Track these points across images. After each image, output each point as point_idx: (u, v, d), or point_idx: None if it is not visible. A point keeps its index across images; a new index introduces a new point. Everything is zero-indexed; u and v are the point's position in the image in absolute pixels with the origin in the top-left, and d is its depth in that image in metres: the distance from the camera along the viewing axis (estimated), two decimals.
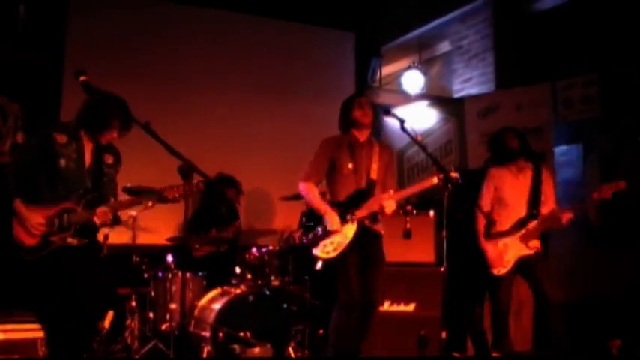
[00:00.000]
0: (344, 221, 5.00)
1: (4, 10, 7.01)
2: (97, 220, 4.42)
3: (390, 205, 4.99)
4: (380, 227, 5.15)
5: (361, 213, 5.01)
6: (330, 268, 5.01)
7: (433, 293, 6.14)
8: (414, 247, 6.33)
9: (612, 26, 7.41)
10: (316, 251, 5.00)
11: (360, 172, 5.16)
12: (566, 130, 7.55)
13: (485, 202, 6.01)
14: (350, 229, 5.01)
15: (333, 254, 4.96)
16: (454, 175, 4.88)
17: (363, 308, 5.01)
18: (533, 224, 5.85)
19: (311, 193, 5.18)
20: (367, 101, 5.32)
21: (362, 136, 5.22)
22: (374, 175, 5.18)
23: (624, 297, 6.54)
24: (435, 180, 4.93)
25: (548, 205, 5.94)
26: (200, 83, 8.00)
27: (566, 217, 5.71)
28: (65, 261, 4.41)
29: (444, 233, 4.67)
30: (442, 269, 6.14)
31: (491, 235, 5.90)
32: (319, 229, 5.02)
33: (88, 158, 4.54)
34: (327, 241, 4.98)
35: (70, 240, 4.39)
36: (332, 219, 5.01)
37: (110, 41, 7.50)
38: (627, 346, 6.20)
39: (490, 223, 5.67)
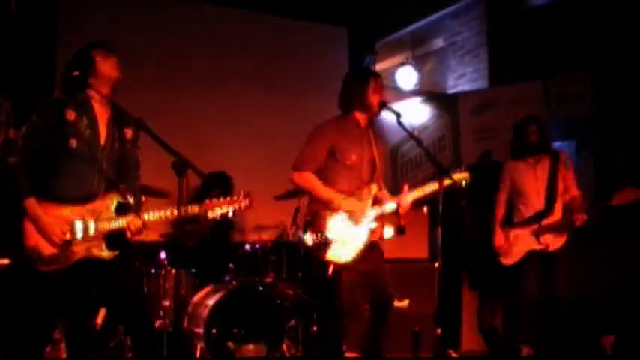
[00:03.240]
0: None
1: None
2: (129, 234, 3.98)
3: (407, 204, 4.65)
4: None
5: (379, 211, 4.64)
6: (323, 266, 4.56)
7: (427, 289, 6.12)
8: (408, 244, 6.30)
9: (605, 24, 7.44)
10: (328, 255, 4.49)
11: (363, 163, 4.75)
12: (560, 126, 7.51)
13: (503, 194, 6.01)
14: (363, 229, 4.60)
15: (346, 259, 4.51)
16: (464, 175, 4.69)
17: (379, 307, 4.68)
18: (547, 220, 5.80)
19: (312, 181, 4.61)
20: (382, 83, 4.84)
21: (364, 120, 4.82)
22: (378, 166, 4.81)
23: (617, 294, 6.49)
24: (456, 177, 4.63)
25: (570, 192, 5.89)
26: (193, 80, 7.92)
27: (580, 220, 5.63)
28: (94, 275, 3.98)
29: (439, 229, 4.55)
30: (436, 265, 6.08)
31: (506, 227, 5.93)
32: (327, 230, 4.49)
33: (102, 135, 4.05)
34: (338, 242, 4.51)
35: (97, 252, 3.92)
36: (354, 204, 4.55)
37: (103, 37, 7.36)
38: (620, 343, 6.18)
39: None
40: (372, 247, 4.69)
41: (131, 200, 4.09)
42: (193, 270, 6.29)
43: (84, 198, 3.94)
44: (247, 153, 7.90)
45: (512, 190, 5.99)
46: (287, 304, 6.03)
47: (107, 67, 4.12)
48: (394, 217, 4.73)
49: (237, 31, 8.23)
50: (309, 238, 4.53)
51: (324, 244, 4.49)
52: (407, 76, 9.43)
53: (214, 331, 5.48)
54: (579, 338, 6.27)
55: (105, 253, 3.94)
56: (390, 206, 4.68)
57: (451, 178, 4.54)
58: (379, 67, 9.73)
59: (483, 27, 8.94)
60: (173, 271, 6.05)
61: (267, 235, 6.93)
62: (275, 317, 5.73)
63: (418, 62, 9.73)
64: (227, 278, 6.19)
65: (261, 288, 5.96)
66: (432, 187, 4.63)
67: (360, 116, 4.79)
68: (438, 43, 9.87)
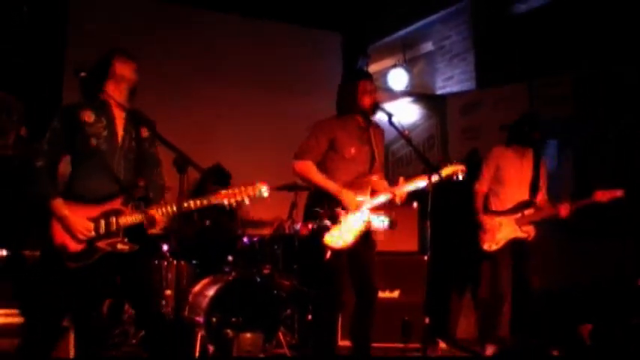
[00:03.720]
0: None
1: (7, 10, 7.02)
2: (149, 228, 4.05)
3: (402, 195, 4.76)
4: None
5: (376, 200, 4.72)
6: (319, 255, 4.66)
7: (416, 281, 6.16)
8: (399, 237, 6.36)
9: (586, 30, 7.46)
10: (326, 240, 4.58)
11: (362, 157, 4.86)
12: (542, 127, 7.59)
13: (485, 180, 6.08)
14: (361, 218, 4.69)
15: (343, 244, 4.61)
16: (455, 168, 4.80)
17: (366, 296, 4.79)
18: (529, 211, 5.95)
19: (313, 171, 4.72)
20: (372, 84, 4.92)
21: (362, 119, 4.92)
22: (377, 160, 4.93)
23: (595, 284, 6.61)
24: (452, 170, 4.77)
25: (542, 193, 6.05)
26: (194, 80, 8.05)
27: (565, 209, 5.78)
28: (116, 269, 4.06)
29: (428, 223, 4.69)
30: (426, 258, 6.22)
31: (489, 212, 6.01)
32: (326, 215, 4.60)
33: (119, 134, 4.13)
34: (335, 228, 4.60)
35: (120, 247, 3.99)
36: (349, 198, 4.63)
37: (108, 40, 7.45)
38: (598, 331, 6.27)
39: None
40: (367, 236, 4.80)
41: (150, 195, 4.18)
42: (194, 262, 6.39)
43: (106, 196, 4.04)
44: (244, 151, 8.01)
45: (495, 176, 6.07)
46: (283, 295, 6.14)
47: (124, 70, 4.24)
48: (389, 209, 4.84)
49: (235, 37, 8.32)
50: (309, 223, 4.67)
51: (322, 229, 4.62)
52: (398, 78, 9.43)
53: (214, 319, 5.55)
54: (557, 327, 6.38)
55: (127, 247, 4.02)
56: (385, 196, 4.79)
57: (440, 175, 4.66)
58: (372, 69, 9.79)
59: (471, 32, 8.90)
60: (175, 262, 6.17)
61: (264, 229, 7.00)
62: (272, 307, 5.80)
63: (409, 65, 9.72)
64: (226, 270, 6.26)
65: (258, 279, 6.03)
66: (425, 180, 4.74)
67: (358, 116, 4.92)
68: (428, 46, 9.88)
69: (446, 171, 4.77)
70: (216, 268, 6.29)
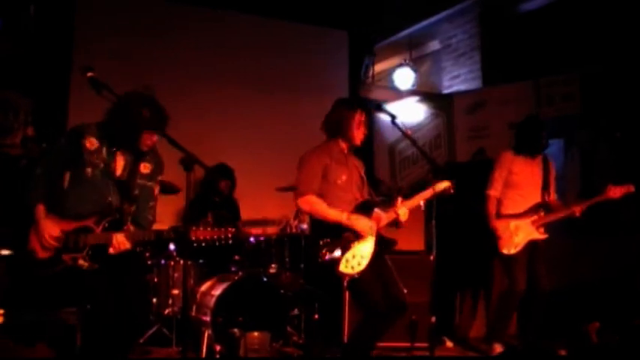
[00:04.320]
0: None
1: (15, 10, 7.01)
2: (111, 250, 4.06)
3: (405, 213, 4.74)
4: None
5: (380, 224, 4.68)
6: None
7: (422, 280, 6.14)
8: (405, 237, 6.32)
9: (592, 28, 7.44)
10: (341, 269, 4.48)
11: (353, 183, 4.81)
12: (548, 125, 7.55)
13: (498, 185, 6.02)
14: (370, 240, 4.62)
15: (359, 269, 4.51)
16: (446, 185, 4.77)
17: (394, 311, 4.69)
18: (544, 213, 5.93)
19: (319, 204, 4.60)
20: (366, 115, 4.85)
21: (346, 146, 4.85)
22: (366, 185, 4.92)
23: (602, 284, 6.57)
24: (443, 186, 4.75)
25: (551, 193, 6.01)
26: (201, 79, 8.00)
27: (579, 209, 5.74)
28: (79, 281, 4.10)
29: (433, 223, 4.65)
30: (431, 257, 6.18)
31: (502, 216, 5.96)
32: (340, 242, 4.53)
33: (119, 166, 4.24)
34: (348, 255, 4.51)
35: (80, 262, 4.05)
36: (364, 223, 4.58)
37: (115, 40, 7.51)
38: (605, 329, 6.22)
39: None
40: (378, 255, 4.72)
41: (128, 220, 4.24)
42: (201, 261, 6.37)
43: (85, 215, 4.13)
44: (251, 150, 7.99)
45: (507, 180, 6.01)
46: (290, 294, 6.12)
47: (153, 140, 4.25)
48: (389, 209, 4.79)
49: (242, 35, 8.28)
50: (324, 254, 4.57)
51: (334, 260, 4.53)
52: (404, 77, 9.41)
53: (220, 319, 5.55)
54: (564, 326, 6.38)
55: (86, 264, 4.06)
56: (388, 218, 4.76)
57: (434, 190, 4.71)
58: (378, 68, 9.81)
59: (477, 30, 8.92)
60: (182, 262, 6.17)
61: (270, 228, 6.97)
62: (278, 306, 5.80)
63: (415, 63, 9.71)
64: (233, 269, 6.25)
65: (265, 278, 6.01)
66: (422, 196, 4.79)
67: (343, 143, 4.83)
68: (434, 45, 9.88)
69: (439, 186, 4.76)
70: (223, 268, 6.27)
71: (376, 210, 4.74)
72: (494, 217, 5.98)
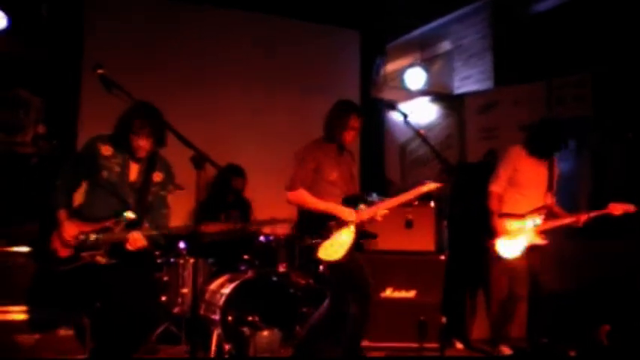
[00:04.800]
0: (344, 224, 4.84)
1: (27, 9, 7.03)
2: (128, 246, 4.26)
3: (383, 213, 4.94)
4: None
5: (361, 217, 4.88)
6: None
7: (433, 281, 6.15)
8: (415, 237, 6.32)
9: (605, 28, 7.40)
10: (320, 254, 4.77)
11: (343, 179, 5.04)
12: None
13: (501, 180, 5.97)
14: (350, 232, 4.86)
15: (335, 257, 4.78)
16: (434, 186, 4.90)
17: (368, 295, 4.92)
18: (547, 217, 5.90)
19: (307, 197, 4.89)
20: (360, 121, 5.05)
21: (338, 148, 5.09)
22: (355, 182, 5.15)
23: (611, 285, 6.53)
24: (425, 189, 4.91)
25: (551, 195, 5.97)
26: (211, 78, 8.01)
27: (583, 218, 5.71)
28: (96, 277, 4.30)
29: (445, 223, 4.64)
30: (443, 258, 6.16)
31: (502, 214, 5.91)
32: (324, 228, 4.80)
33: (133, 173, 4.43)
34: (327, 243, 4.78)
35: (98, 258, 4.27)
36: (345, 211, 4.84)
37: (126, 37, 7.54)
38: (615, 332, 6.18)
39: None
40: (357, 248, 5.00)
41: (136, 217, 4.38)
42: (210, 260, 6.38)
43: (105, 217, 4.34)
44: (262, 149, 7.98)
45: (512, 177, 5.96)
46: (299, 293, 6.07)
47: (142, 145, 4.35)
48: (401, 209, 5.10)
49: (253, 34, 8.27)
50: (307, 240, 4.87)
51: (314, 244, 4.79)
52: (415, 77, 9.35)
53: (230, 318, 5.56)
54: (574, 328, 6.32)
55: (104, 260, 4.28)
56: (369, 215, 4.95)
57: (420, 191, 4.92)
58: (389, 68, 9.77)
59: (488, 31, 8.88)
60: (191, 260, 6.17)
61: (280, 228, 6.95)
62: (288, 305, 5.80)
63: (426, 64, 9.66)
64: (242, 268, 6.26)
65: (274, 278, 6.01)
66: (406, 197, 5.01)
67: (335, 145, 5.06)
68: (446, 45, 9.85)
69: (424, 188, 4.94)
70: (232, 267, 6.28)
71: (361, 205, 4.93)
72: (497, 215, 5.92)
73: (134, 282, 4.31)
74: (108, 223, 4.31)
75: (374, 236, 5.06)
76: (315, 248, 4.78)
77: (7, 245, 5.69)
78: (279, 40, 8.45)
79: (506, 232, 5.86)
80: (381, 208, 4.94)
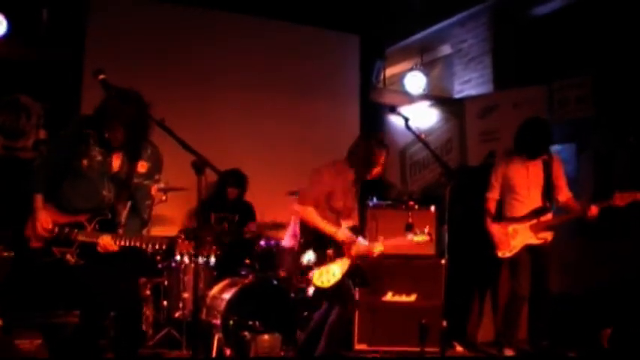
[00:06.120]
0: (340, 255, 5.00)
1: (27, 14, 7.04)
2: (99, 249, 4.09)
3: (379, 250, 5.12)
4: None
5: (357, 250, 5.05)
6: None
7: (434, 284, 6.15)
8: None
9: (605, 31, 7.40)
10: (313, 278, 4.95)
11: (346, 210, 5.14)
12: (561, 129, 7.53)
13: (494, 188, 6.03)
14: (345, 263, 5.01)
15: (327, 284, 4.94)
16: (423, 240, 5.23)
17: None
18: (546, 217, 5.87)
19: (313, 215, 5.01)
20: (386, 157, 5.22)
21: (357, 177, 5.19)
22: (355, 214, 5.26)
23: (616, 288, 6.52)
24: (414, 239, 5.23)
25: (564, 193, 5.96)
26: (212, 82, 8.02)
27: (593, 211, 5.69)
28: (67, 277, 4.20)
29: (446, 227, 4.65)
30: (443, 262, 6.16)
31: (503, 219, 5.94)
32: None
33: (116, 163, 4.24)
34: (323, 269, 4.94)
35: (68, 257, 4.12)
36: (343, 231, 5.01)
37: (127, 43, 7.54)
38: (617, 335, 6.17)
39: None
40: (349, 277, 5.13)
41: (118, 220, 4.25)
42: (211, 264, 6.34)
43: (80, 210, 4.19)
44: (262, 154, 7.97)
45: (504, 186, 6.00)
46: (300, 298, 6.09)
47: (117, 136, 4.15)
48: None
49: (253, 39, 8.28)
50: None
51: (306, 269, 5.00)
52: (415, 81, 9.37)
53: (231, 322, 5.56)
54: (577, 331, 6.33)
55: (72, 259, 4.13)
56: (364, 252, 5.15)
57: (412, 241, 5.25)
58: (389, 72, 9.78)
59: (488, 35, 8.89)
60: (192, 265, 6.14)
61: (281, 232, 6.96)
62: (288, 309, 5.81)
63: (426, 68, 9.68)
64: (243, 272, 6.26)
65: (275, 282, 6.02)
66: (399, 242, 5.30)
67: (356, 174, 5.15)
68: (445, 49, 9.85)
69: (417, 238, 5.28)
70: (233, 271, 6.28)
71: (359, 237, 5.13)
72: (490, 220, 5.98)
73: (108, 281, 4.15)
74: (81, 219, 4.16)
75: (367, 284, 5.38)
76: (310, 269, 4.96)
77: (6, 250, 5.67)
78: (279, 44, 8.45)
79: (503, 235, 5.90)
80: (377, 247, 5.11)
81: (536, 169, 5.97)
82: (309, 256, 4.99)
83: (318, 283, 4.94)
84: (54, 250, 4.14)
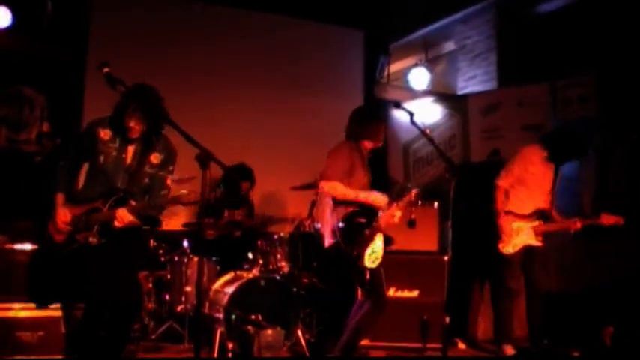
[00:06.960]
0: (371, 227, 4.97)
1: (32, 6, 7.04)
2: (116, 223, 4.28)
3: (399, 216, 5.06)
4: None
5: (383, 221, 5.02)
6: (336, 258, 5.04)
7: (436, 280, 6.16)
8: (419, 237, 6.31)
9: (609, 29, 7.40)
10: (365, 262, 4.90)
11: (366, 182, 5.15)
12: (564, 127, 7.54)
13: (510, 177, 6.05)
14: (380, 236, 5.02)
15: (377, 262, 4.97)
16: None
17: (382, 305, 5.07)
18: (546, 223, 5.97)
19: (342, 188, 4.95)
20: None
21: (367, 149, 5.23)
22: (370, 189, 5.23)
23: (615, 286, 6.53)
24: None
25: (554, 202, 6.01)
26: (216, 78, 8.00)
27: (577, 225, 5.82)
28: (88, 258, 4.34)
29: (449, 223, 4.65)
30: (446, 258, 6.16)
31: (508, 213, 5.99)
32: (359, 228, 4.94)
33: (129, 156, 4.44)
34: (368, 251, 4.91)
35: (90, 239, 4.32)
36: (380, 197, 5.00)
37: (131, 36, 7.54)
38: (619, 333, 6.18)
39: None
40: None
41: (130, 201, 4.41)
42: (214, 258, 6.36)
43: (94, 198, 4.41)
44: (265, 149, 7.96)
45: (519, 177, 6.03)
46: (302, 292, 6.11)
47: (132, 126, 4.35)
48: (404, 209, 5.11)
49: (257, 34, 8.28)
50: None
51: (359, 256, 4.91)
52: (419, 77, 9.37)
53: (233, 316, 5.53)
54: (578, 329, 6.34)
55: (95, 240, 4.33)
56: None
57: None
58: (393, 68, 9.77)
59: (493, 31, 8.90)
60: (195, 259, 6.16)
61: (284, 226, 6.96)
62: (291, 304, 5.78)
63: (430, 64, 9.67)
64: (246, 267, 6.24)
65: (278, 277, 6.00)
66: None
67: (367, 145, 5.19)
68: (450, 46, 9.86)
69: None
70: (236, 265, 6.25)
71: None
72: (502, 213, 6.01)
73: (116, 271, 4.33)
74: (97, 204, 4.36)
75: (392, 240, 5.45)
76: (360, 257, 4.90)
77: (10, 242, 5.71)
78: (282, 40, 8.44)
79: (508, 231, 5.97)
80: (396, 212, 5.05)
81: (549, 172, 6.01)
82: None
83: (372, 265, 4.92)
84: (77, 237, 4.38)
